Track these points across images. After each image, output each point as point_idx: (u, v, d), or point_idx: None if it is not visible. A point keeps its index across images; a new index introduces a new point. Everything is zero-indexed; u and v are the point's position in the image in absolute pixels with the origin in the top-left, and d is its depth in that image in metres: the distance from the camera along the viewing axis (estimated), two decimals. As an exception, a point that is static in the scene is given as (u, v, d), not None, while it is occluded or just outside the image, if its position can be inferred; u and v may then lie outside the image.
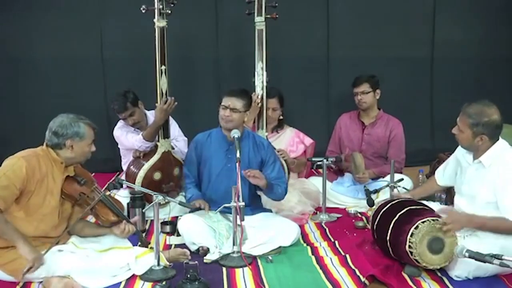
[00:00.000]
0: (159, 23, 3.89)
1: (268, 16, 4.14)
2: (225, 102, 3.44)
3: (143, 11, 3.86)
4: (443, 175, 3.40)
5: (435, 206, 3.22)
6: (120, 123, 4.26)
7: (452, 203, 3.39)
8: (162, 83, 3.95)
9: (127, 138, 4.13)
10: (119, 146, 4.37)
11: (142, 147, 4.05)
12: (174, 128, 4.30)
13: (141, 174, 3.95)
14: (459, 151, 3.23)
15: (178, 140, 4.29)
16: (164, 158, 4.04)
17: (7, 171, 2.76)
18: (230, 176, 3.35)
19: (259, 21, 4.13)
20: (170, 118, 4.20)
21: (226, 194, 3.20)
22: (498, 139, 2.99)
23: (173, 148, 4.13)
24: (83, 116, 2.98)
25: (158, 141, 4.05)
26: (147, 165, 3.98)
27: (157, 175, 4.01)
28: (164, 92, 3.96)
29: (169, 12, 3.91)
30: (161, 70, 3.93)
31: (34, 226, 2.82)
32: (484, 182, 2.96)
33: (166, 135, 4.06)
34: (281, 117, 4.44)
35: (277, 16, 4.16)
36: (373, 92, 4.38)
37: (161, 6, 3.86)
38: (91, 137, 2.97)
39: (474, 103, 2.96)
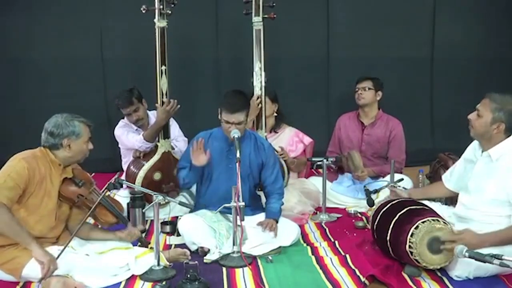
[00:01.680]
0: (159, 23, 3.89)
1: (266, 16, 4.14)
2: (228, 118, 3.35)
3: (143, 11, 3.86)
4: (450, 176, 3.36)
5: (435, 206, 3.22)
6: (122, 122, 4.26)
7: (452, 203, 3.39)
8: (163, 83, 3.95)
9: (128, 138, 4.13)
10: (119, 145, 4.37)
11: (143, 147, 4.05)
12: (175, 128, 4.31)
13: (141, 174, 3.95)
14: (468, 150, 3.22)
15: (178, 141, 4.29)
16: (164, 158, 4.04)
17: (11, 172, 2.76)
18: (231, 177, 3.33)
19: (257, 21, 4.13)
20: (171, 118, 4.21)
21: (227, 194, 3.19)
22: (511, 135, 2.99)
23: (173, 149, 4.13)
24: (77, 115, 2.98)
25: (158, 141, 4.05)
26: (147, 165, 3.98)
27: (157, 175, 4.01)
28: (164, 92, 3.96)
29: (169, 12, 3.91)
30: (161, 70, 3.93)
31: (30, 227, 2.81)
32: (492, 176, 2.95)
33: (166, 136, 4.06)
34: (275, 114, 4.43)
35: (275, 16, 4.15)
36: (374, 91, 4.38)
37: (161, 7, 3.86)
38: (87, 134, 2.97)
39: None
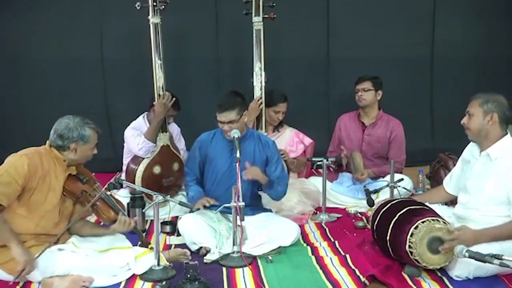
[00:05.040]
0: (153, 19, 3.95)
1: (266, 16, 4.15)
2: (220, 118, 3.38)
3: (138, 8, 3.91)
4: (450, 180, 3.36)
5: (435, 206, 3.21)
6: (134, 123, 4.24)
7: (451, 203, 3.39)
8: (158, 77, 3.99)
9: (134, 140, 4.11)
10: (124, 144, 4.34)
11: (143, 149, 4.01)
12: (181, 143, 4.42)
13: (140, 168, 3.97)
14: (466, 151, 3.23)
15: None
16: (163, 152, 4.07)
17: (9, 168, 2.77)
18: (235, 176, 3.31)
19: (257, 21, 4.15)
20: (181, 137, 4.32)
21: (230, 193, 3.18)
22: (507, 129, 3.00)
23: (173, 146, 4.14)
24: (88, 120, 2.99)
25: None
26: (146, 159, 4.01)
27: (156, 169, 4.03)
28: (160, 86, 4.00)
29: (163, 7, 3.97)
30: (157, 65, 3.98)
31: (35, 223, 2.82)
32: (491, 176, 2.96)
33: (164, 129, 4.08)
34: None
35: (275, 16, 4.17)
36: (374, 91, 4.37)
37: (154, 3, 3.93)
38: (94, 141, 3.00)
39: None
